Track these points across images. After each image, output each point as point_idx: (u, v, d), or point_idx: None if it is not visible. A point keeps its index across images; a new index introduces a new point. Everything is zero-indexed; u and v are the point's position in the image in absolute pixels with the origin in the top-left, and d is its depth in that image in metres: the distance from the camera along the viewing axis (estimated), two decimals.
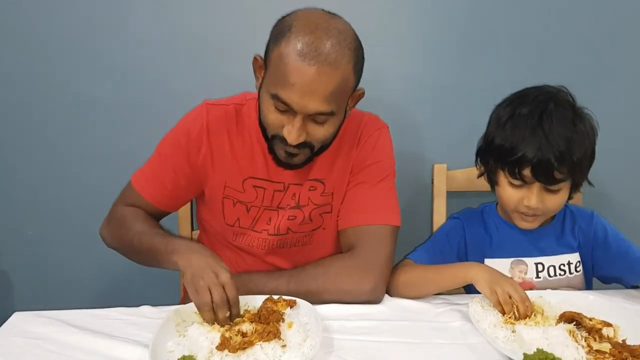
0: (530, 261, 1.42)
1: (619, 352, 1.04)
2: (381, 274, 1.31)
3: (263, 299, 1.21)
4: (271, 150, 1.28)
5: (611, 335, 1.12)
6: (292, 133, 1.19)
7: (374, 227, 1.35)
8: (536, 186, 1.31)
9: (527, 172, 1.29)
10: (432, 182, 1.74)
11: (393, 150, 1.46)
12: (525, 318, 1.17)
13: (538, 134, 1.28)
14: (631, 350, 1.05)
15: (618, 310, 1.21)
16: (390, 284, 1.33)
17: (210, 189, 1.41)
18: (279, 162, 1.30)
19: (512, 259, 1.43)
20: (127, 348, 1.09)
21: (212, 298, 1.09)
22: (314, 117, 1.20)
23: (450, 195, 1.73)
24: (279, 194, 1.39)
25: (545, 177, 1.29)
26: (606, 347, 1.07)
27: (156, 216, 1.44)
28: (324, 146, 1.29)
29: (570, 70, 1.80)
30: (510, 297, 1.19)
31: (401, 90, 1.79)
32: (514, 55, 1.80)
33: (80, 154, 1.86)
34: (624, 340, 1.11)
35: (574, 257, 1.43)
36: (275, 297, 1.21)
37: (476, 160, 1.46)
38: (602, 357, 1.05)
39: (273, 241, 1.42)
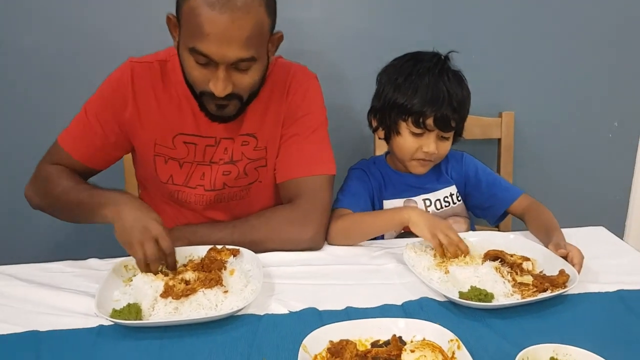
0: (419, 199, 1.57)
1: (540, 283, 1.14)
2: (320, 222, 1.37)
3: (207, 249, 1.25)
4: (202, 107, 1.29)
5: (530, 268, 1.22)
6: (218, 85, 1.20)
7: (311, 178, 1.39)
8: (433, 134, 1.46)
9: (429, 121, 1.44)
10: (374, 133, 1.79)
11: (323, 99, 1.47)
12: (461, 255, 1.26)
13: (440, 88, 1.44)
14: (550, 280, 1.15)
15: (532, 246, 1.31)
16: (328, 234, 1.39)
17: (140, 146, 1.42)
18: (211, 117, 1.30)
19: (404, 199, 1.57)
20: (74, 299, 1.12)
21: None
22: (236, 65, 1.19)
23: None
24: (210, 148, 1.40)
25: (444, 125, 1.45)
26: (528, 279, 1.17)
27: (85, 174, 1.43)
28: (252, 94, 1.30)
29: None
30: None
31: (345, 44, 1.82)
32: (447, 11, 1.85)
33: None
34: (541, 272, 1.22)
35: (453, 189, 1.61)
36: (219, 246, 1.25)
37: (368, 117, 1.59)
38: (526, 288, 1.14)
39: (210, 196, 1.44)
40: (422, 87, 1.44)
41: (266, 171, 1.45)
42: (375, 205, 1.58)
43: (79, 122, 1.40)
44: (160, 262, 1.15)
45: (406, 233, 1.42)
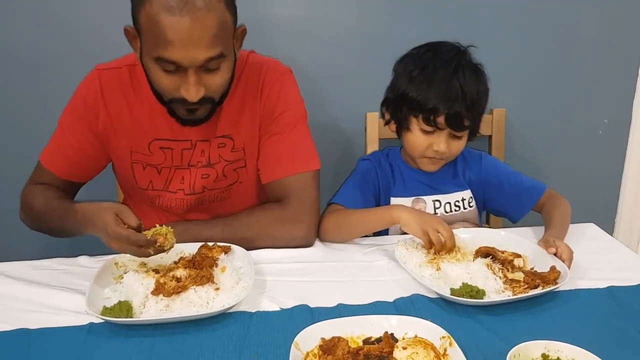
0: (429, 199, 1.53)
1: (532, 279, 1.15)
2: (311, 220, 1.36)
3: (199, 246, 1.24)
4: (172, 113, 1.26)
5: (521, 265, 1.23)
6: (190, 91, 1.17)
7: (295, 176, 1.37)
8: (445, 132, 1.41)
9: (440, 119, 1.39)
10: (365, 130, 1.80)
11: (299, 91, 1.44)
12: (451, 252, 1.26)
13: (453, 85, 1.37)
14: (542, 277, 1.15)
15: (523, 242, 1.32)
16: (319, 230, 1.39)
17: (117, 155, 1.40)
18: (182, 122, 1.28)
19: (413, 198, 1.53)
20: (64, 296, 1.11)
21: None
22: (205, 67, 1.16)
23: (383, 142, 1.80)
24: (187, 152, 1.38)
25: (456, 124, 1.39)
26: (519, 276, 1.17)
27: (70, 189, 1.42)
28: (224, 95, 1.27)
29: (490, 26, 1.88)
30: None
31: (334, 41, 1.81)
32: (438, 8, 1.84)
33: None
34: (532, 269, 1.22)
35: (467, 194, 1.55)
36: (210, 243, 1.25)
37: (381, 109, 1.53)
38: (517, 285, 1.14)
39: (190, 200, 1.42)
40: (436, 82, 1.38)
41: (246, 172, 1.43)
42: (380, 200, 1.54)
43: (56, 138, 1.39)
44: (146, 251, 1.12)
45: None
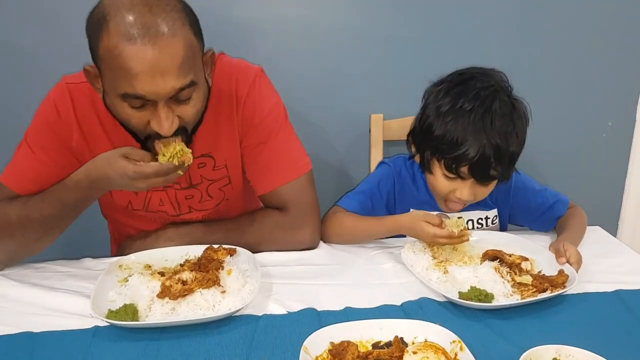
0: (453, 215, 1.43)
1: (540, 283, 1.14)
2: (314, 223, 1.35)
3: (204, 248, 1.23)
4: (148, 149, 1.15)
5: (529, 268, 1.22)
6: (163, 125, 1.07)
7: (291, 183, 1.32)
8: (470, 180, 1.32)
9: (464, 169, 1.30)
10: (370, 132, 1.79)
11: (274, 89, 1.34)
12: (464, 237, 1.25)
13: (480, 134, 1.27)
14: (550, 280, 1.15)
15: (530, 245, 1.31)
16: (322, 234, 1.38)
17: None
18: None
19: (436, 213, 1.42)
20: (68, 299, 1.10)
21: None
22: (176, 97, 1.07)
23: (387, 144, 1.79)
24: None
25: (481, 175, 1.31)
26: (527, 279, 1.17)
27: None
28: (198, 123, 1.19)
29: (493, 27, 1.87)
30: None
31: (338, 42, 1.81)
32: (441, 7, 1.83)
33: None
34: (540, 272, 1.22)
35: (491, 213, 1.49)
36: (215, 245, 1.24)
37: (408, 140, 1.45)
38: (526, 289, 1.14)
39: (176, 220, 1.37)
40: (462, 126, 1.27)
41: (231, 188, 1.37)
42: (396, 209, 1.47)
43: (25, 158, 1.25)
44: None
45: None
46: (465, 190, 1.33)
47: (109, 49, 1.01)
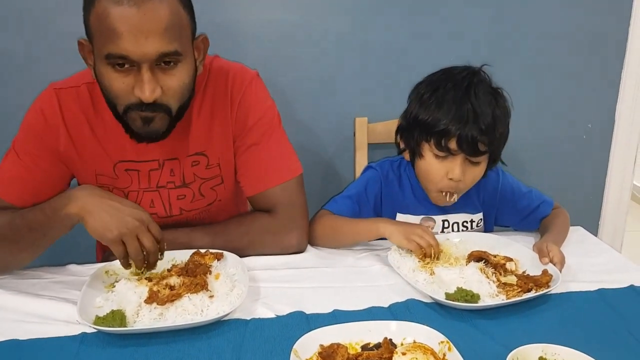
0: (438, 218, 1.48)
1: (525, 283, 1.16)
2: (302, 227, 1.35)
3: (191, 253, 1.23)
4: (127, 129, 1.17)
5: (513, 268, 1.24)
6: (144, 88, 1.08)
7: (281, 186, 1.33)
8: (460, 157, 1.34)
9: (452, 143, 1.32)
10: (354, 135, 1.80)
11: (268, 94, 1.36)
12: (437, 258, 1.27)
13: (465, 105, 1.31)
14: (534, 280, 1.17)
15: (515, 246, 1.33)
16: (310, 237, 1.38)
17: (81, 179, 1.31)
18: (138, 138, 1.18)
19: (422, 216, 1.48)
20: (54, 306, 1.09)
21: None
22: (160, 64, 1.09)
23: (372, 147, 1.80)
24: (155, 172, 1.31)
25: (470, 148, 1.32)
26: (512, 279, 1.18)
27: None
28: (182, 107, 1.18)
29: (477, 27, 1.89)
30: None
31: (323, 47, 1.82)
32: (423, 13, 1.85)
33: None
34: (524, 272, 1.24)
35: (477, 217, 1.52)
36: (203, 250, 1.23)
37: (396, 137, 1.48)
38: (511, 289, 1.15)
39: (167, 222, 1.36)
40: (447, 103, 1.32)
41: (224, 188, 1.38)
42: (383, 213, 1.49)
43: (12, 165, 1.25)
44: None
45: None
46: (456, 168, 1.34)
47: (98, 14, 1.05)
